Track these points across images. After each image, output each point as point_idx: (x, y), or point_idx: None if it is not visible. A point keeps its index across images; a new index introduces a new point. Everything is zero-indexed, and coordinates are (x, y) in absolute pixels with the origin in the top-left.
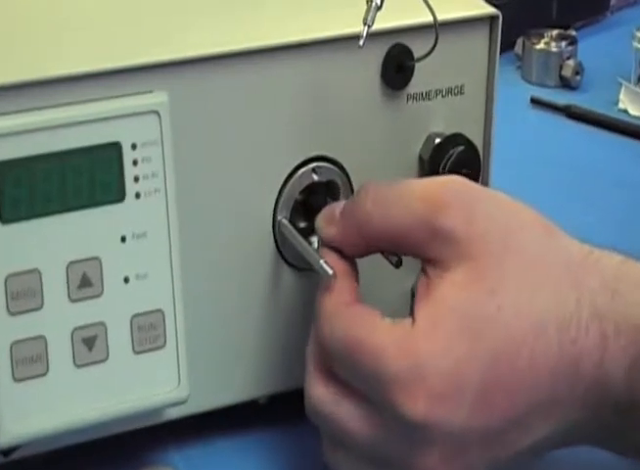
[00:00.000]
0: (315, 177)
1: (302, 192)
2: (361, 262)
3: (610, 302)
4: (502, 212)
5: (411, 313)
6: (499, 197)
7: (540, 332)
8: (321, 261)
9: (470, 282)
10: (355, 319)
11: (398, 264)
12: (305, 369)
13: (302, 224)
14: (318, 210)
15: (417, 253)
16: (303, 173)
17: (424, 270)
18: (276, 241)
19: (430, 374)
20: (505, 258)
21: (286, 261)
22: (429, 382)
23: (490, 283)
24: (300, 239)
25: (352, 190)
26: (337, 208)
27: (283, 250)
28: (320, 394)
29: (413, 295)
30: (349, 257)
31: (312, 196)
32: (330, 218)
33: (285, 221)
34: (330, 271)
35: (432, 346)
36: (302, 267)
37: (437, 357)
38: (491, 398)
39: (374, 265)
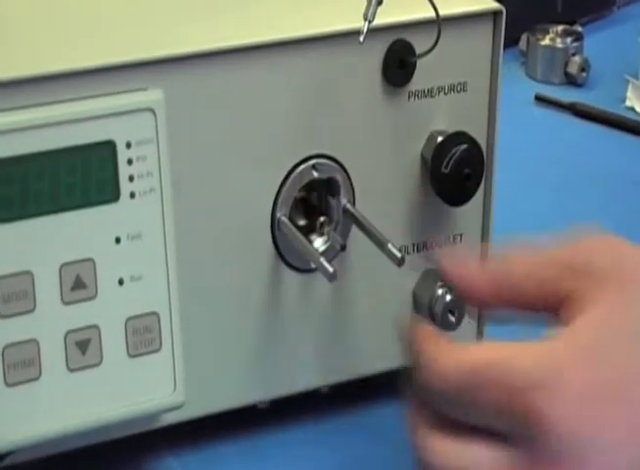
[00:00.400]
0: (315, 174)
1: (302, 189)
2: (361, 262)
3: None
4: None
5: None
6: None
7: None
8: (321, 259)
9: (622, 308)
10: (480, 350)
11: (400, 263)
12: (416, 442)
13: (302, 222)
14: (318, 207)
15: (547, 295)
16: (303, 170)
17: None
18: (275, 240)
19: (573, 380)
20: None
21: (285, 262)
22: (571, 387)
23: None
24: (301, 237)
25: (353, 188)
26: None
27: (282, 249)
28: (447, 453)
29: (414, 296)
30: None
31: (312, 193)
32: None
33: (284, 219)
34: (331, 269)
35: (571, 354)
36: (302, 268)
37: (584, 368)
38: None
39: (375, 265)
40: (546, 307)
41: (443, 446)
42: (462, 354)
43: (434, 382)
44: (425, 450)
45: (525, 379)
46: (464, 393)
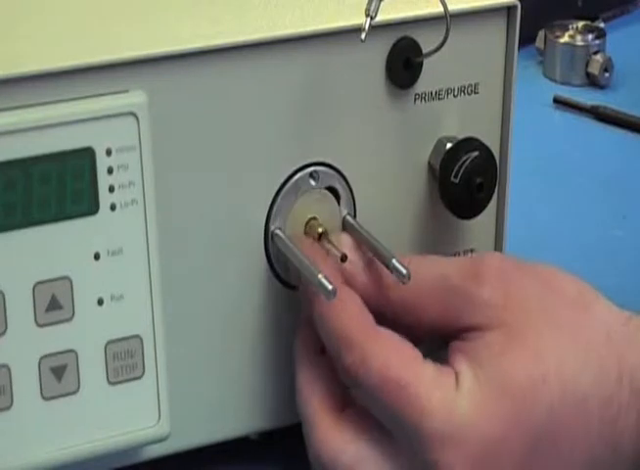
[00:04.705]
0: (313, 183)
1: None
2: None
3: None
4: (539, 284)
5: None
6: (535, 270)
7: (582, 413)
8: (319, 276)
9: (510, 345)
10: (393, 353)
11: (407, 279)
12: (306, 418)
13: None
14: None
15: (448, 321)
16: (300, 179)
17: (456, 337)
18: (268, 255)
19: (472, 438)
20: (544, 330)
21: (279, 279)
22: (471, 446)
23: (531, 350)
24: (296, 251)
25: (354, 198)
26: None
27: (276, 265)
28: (335, 446)
29: None
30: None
31: None
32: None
33: (279, 232)
34: (330, 287)
35: (476, 410)
36: (298, 285)
37: (481, 423)
38: None
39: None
40: (440, 330)
41: (332, 440)
42: (373, 352)
43: (341, 363)
44: (315, 439)
45: (428, 429)
46: (361, 391)
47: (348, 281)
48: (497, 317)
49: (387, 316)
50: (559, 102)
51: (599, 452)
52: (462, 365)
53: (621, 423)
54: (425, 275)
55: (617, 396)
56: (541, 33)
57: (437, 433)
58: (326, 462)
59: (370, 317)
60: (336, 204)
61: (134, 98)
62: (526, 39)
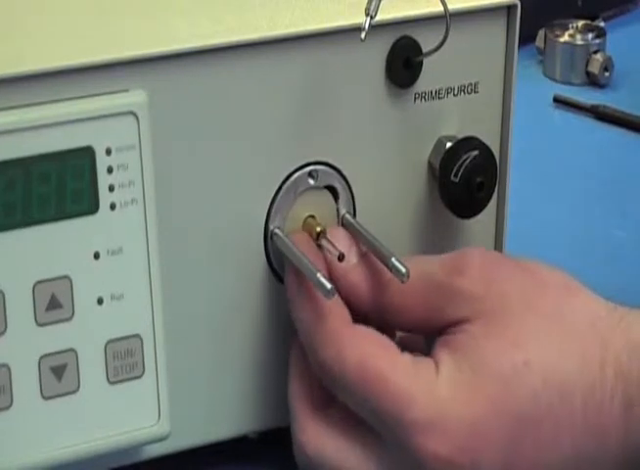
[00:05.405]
0: (312, 182)
1: None
2: None
3: (636, 367)
4: (521, 275)
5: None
6: (518, 262)
7: (566, 399)
8: (318, 275)
9: (492, 333)
10: (370, 346)
11: (406, 278)
12: (292, 413)
13: None
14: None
15: (434, 319)
16: (299, 178)
17: (442, 333)
18: (268, 254)
19: (454, 423)
20: (526, 318)
21: (279, 279)
22: (453, 431)
23: (513, 336)
24: (295, 251)
25: (353, 197)
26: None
27: (276, 264)
28: (318, 440)
29: None
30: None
31: None
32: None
33: (278, 231)
34: (328, 286)
35: (457, 396)
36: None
37: (463, 409)
38: (515, 465)
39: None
40: (427, 330)
41: (318, 438)
42: (350, 347)
43: (316, 362)
44: (297, 435)
45: (409, 418)
46: (339, 386)
47: (341, 278)
48: (478, 308)
49: (376, 317)
50: (559, 101)
51: (583, 443)
52: (443, 355)
53: (606, 411)
54: (410, 276)
55: (599, 382)
56: (541, 33)
57: (419, 419)
58: (311, 458)
59: (347, 314)
60: (335, 203)
61: (134, 97)
62: (527, 38)
